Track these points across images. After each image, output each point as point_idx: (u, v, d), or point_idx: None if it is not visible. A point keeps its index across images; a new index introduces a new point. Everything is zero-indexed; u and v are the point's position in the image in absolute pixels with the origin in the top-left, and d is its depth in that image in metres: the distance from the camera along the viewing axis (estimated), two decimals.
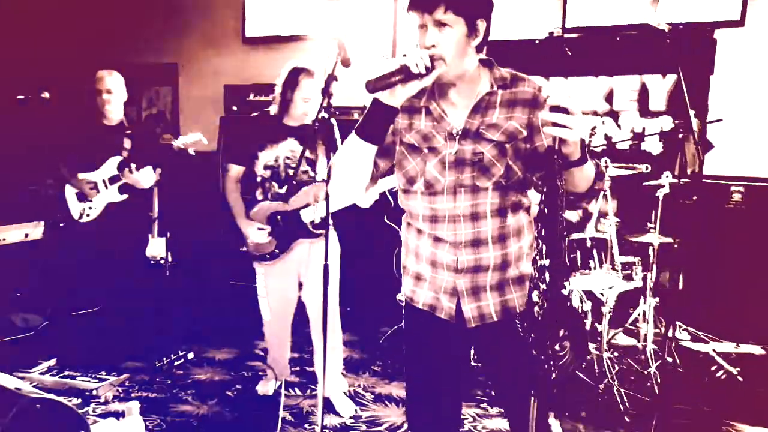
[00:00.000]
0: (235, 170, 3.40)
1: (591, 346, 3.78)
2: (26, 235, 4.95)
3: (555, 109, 1.55)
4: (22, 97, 4.30)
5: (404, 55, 1.66)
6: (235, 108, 5.77)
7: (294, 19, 5.91)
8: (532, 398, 1.62)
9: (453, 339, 1.96)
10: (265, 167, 3.34)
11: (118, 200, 4.12)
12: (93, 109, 4.10)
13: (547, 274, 1.54)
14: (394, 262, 5.40)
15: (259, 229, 3.35)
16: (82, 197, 4.12)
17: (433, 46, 1.69)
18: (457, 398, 2.12)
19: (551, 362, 1.55)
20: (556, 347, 1.55)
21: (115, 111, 4.10)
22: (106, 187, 4.10)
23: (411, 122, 1.88)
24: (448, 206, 1.84)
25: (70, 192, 4.14)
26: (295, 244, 3.39)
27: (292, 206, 3.32)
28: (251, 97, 5.67)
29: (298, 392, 3.70)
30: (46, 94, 4.26)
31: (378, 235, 5.29)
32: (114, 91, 4.06)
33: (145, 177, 4.07)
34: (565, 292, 1.54)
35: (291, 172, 3.30)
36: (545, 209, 1.56)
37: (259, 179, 3.37)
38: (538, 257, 1.56)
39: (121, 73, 4.16)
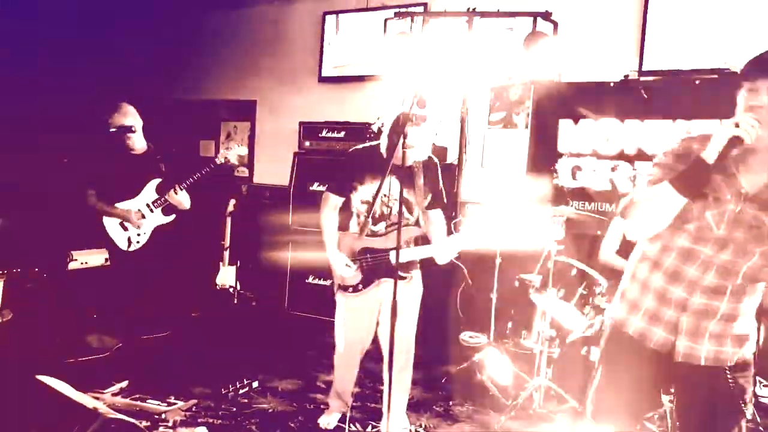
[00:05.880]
0: (334, 200, 3.42)
1: None
2: (106, 260, 5.15)
3: None
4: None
5: (736, 125, 1.76)
6: (308, 144, 5.92)
7: (368, 59, 6.07)
8: None
9: (654, 367, 2.07)
10: (362, 202, 3.37)
11: (166, 222, 4.18)
12: (119, 140, 3.99)
13: None
14: (458, 302, 5.36)
15: (347, 265, 3.38)
16: (126, 226, 4.15)
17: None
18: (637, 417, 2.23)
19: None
20: None
21: (138, 141, 4.07)
22: (152, 211, 4.14)
23: None
24: (710, 253, 1.92)
25: (110, 223, 4.14)
26: (380, 282, 3.41)
27: (383, 245, 3.35)
28: (324, 133, 5.81)
29: (359, 427, 3.69)
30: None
31: (442, 273, 5.26)
32: (136, 123, 4.02)
33: (187, 198, 4.13)
34: None
35: (386, 210, 3.35)
36: None
37: (354, 211, 3.41)
38: None
39: (204, 108, 4.30)
